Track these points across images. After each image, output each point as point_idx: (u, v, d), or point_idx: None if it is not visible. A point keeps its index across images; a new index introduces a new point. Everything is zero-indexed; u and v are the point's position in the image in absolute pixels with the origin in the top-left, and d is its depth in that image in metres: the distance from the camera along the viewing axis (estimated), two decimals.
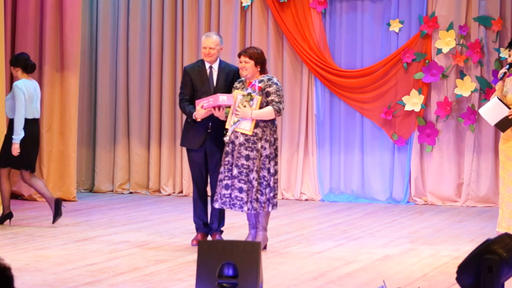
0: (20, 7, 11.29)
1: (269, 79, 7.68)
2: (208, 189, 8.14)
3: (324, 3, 11.70)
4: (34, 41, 11.33)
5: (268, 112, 7.59)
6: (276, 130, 7.73)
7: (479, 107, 10.23)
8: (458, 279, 4.61)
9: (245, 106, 7.58)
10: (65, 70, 11.37)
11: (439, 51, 11.31)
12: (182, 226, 9.12)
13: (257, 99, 7.58)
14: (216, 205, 7.69)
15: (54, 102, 11.41)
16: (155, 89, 12.33)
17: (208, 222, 8.13)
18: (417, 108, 11.35)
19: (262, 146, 7.58)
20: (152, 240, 8.30)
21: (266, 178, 7.55)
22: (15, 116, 8.88)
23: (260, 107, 7.59)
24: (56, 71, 11.40)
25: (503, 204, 8.12)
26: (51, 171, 11.41)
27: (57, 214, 9.00)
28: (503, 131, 8.10)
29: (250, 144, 7.57)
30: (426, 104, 11.42)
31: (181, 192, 12.24)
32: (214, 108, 7.69)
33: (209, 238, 8.07)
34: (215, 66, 8.04)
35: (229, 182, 7.60)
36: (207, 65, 8.04)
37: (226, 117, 7.70)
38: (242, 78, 7.77)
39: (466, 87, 11.19)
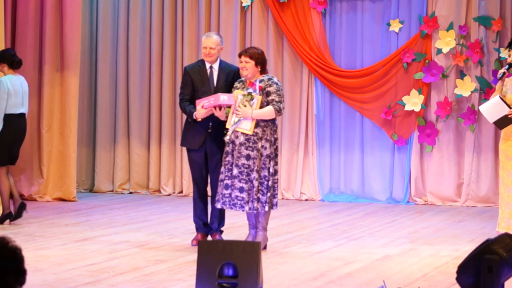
0: (20, 7, 11.29)
1: (269, 79, 7.68)
2: (208, 189, 8.14)
3: (324, 3, 11.70)
4: (34, 41, 11.33)
5: (268, 112, 7.59)
6: (276, 130, 7.73)
7: (479, 107, 10.22)
8: (458, 279, 4.61)
9: (245, 106, 7.58)
10: (65, 70, 11.37)
11: (439, 51, 11.31)
12: (182, 226, 9.12)
13: (258, 98, 7.58)
14: (218, 206, 7.69)
15: (54, 102, 11.40)
16: (155, 89, 12.33)
17: (208, 222, 8.13)
18: (417, 108, 11.36)
19: (262, 146, 7.58)
20: (152, 240, 8.30)
21: (267, 178, 7.56)
22: None
23: (261, 107, 7.59)
24: (56, 71, 11.40)
25: (502, 204, 8.12)
26: (51, 171, 11.41)
27: (17, 216, 9.12)
28: (501, 128, 8.14)
29: (251, 143, 7.57)
30: (426, 104, 11.42)
31: (181, 192, 12.24)
32: (214, 108, 7.69)
33: (209, 238, 8.07)
34: (216, 66, 8.04)
35: (229, 182, 7.60)
36: (208, 65, 8.04)
37: (226, 117, 7.70)
38: (242, 78, 7.78)
39: (466, 87, 11.19)
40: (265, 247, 7.69)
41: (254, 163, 7.54)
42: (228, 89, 7.87)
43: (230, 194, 7.59)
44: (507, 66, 8.12)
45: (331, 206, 11.22)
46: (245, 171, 7.54)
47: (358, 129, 11.74)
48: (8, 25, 11.06)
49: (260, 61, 7.69)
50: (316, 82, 11.81)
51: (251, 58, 7.64)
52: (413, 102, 11.36)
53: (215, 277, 4.89)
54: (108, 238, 8.37)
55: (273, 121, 7.68)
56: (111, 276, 6.52)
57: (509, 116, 7.97)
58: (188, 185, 12.01)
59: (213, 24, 12.04)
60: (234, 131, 7.62)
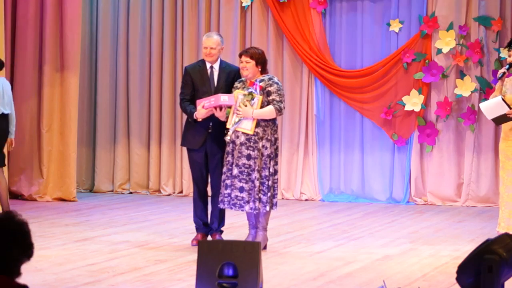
0: (20, 7, 11.29)
1: (270, 79, 7.69)
2: (209, 189, 8.14)
3: (324, 3, 11.70)
4: (34, 41, 11.33)
5: (269, 112, 7.59)
6: (276, 130, 7.73)
7: (479, 107, 10.22)
8: (458, 279, 4.61)
9: (246, 106, 7.58)
10: (65, 70, 11.37)
11: (439, 51, 11.31)
12: (182, 226, 9.12)
13: (258, 98, 7.58)
14: (220, 206, 7.69)
15: (54, 102, 11.40)
16: (155, 89, 12.32)
17: (208, 222, 8.13)
18: (417, 108, 11.35)
19: (263, 146, 7.58)
20: (152, 240, 8.30)
21: (267, 178, 7.56)
22: None
23: (261, 107, 7.59)
24: (56, 71, 11.39)
25: (502, 204, 8.13)
26: (51, 171, 11.41)
27: None
28: (497, 125, 8.22)
29: (251, 143, 7.57)
30: (426, 104, 11.42)
31: (181, 192, 12.23)
32: (215, 108, 7.69)
33: (209, 238, 8.07)
34: (216, 66, 8.04)
35: (228, 181, 7.60)
36: (208, 65, 8.04)
37: (227, 117, 7.70)
38: (243, 78, 7.78)
39: (466, 87, 11.19)
40: (265, 247, 7.69)
41: (255, 163, 7.54)
42: (229, 89, 7.87)
43: (230, 194, 7.59)
44: (507, 66, 8.13)
45: (331, 206, 11.22)
46: (246, 171, 7.54)
47: (358, 129, 11.73)
48: (8, 25, 11.06)
49: (261, 61, 7.69)
50: (316, 82, 11.81)
51: (251, 58, 7.65)
52: (413, 102, 11.36)
53: (215, 277, 4.88)
54: (108, 238, 8.37)
55: (273, 121, 7.68)
56: (111, 276, 6.52)
57: (508, 115, 7.98)
58: (188, 185, 12.01)
59: (213, 24, 12.04)
60: (235, 131, 7.62)
